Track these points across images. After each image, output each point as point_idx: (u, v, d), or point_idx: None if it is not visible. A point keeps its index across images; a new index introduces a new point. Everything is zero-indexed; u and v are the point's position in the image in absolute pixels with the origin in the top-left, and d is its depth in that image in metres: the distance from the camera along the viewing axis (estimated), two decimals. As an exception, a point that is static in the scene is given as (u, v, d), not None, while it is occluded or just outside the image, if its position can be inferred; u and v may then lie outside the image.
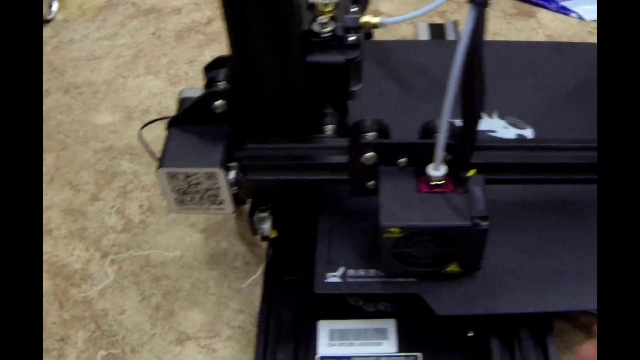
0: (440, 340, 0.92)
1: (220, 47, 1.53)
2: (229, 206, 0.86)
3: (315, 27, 0.82)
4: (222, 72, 0.86)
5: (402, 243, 0.81)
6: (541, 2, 1.56)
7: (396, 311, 0.92)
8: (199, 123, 0.86)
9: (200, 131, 0.86)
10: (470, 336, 0.92)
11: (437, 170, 0.80)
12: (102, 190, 1.26)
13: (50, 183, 1.28)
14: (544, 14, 1.57)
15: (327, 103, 0.88)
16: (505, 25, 1.53)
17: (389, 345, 0.91)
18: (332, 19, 0.83)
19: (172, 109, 1.28)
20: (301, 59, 0.80)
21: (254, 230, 0.95)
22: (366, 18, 0.87)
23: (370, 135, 0.83)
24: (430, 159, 0.80)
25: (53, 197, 1.26)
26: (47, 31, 1.64)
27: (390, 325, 0.93)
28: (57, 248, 1.18)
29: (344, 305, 0.93)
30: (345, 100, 0.88)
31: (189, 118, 0.86)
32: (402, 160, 0.83)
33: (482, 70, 0.71)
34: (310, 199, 0.92)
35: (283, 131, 0.85)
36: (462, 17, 1.52)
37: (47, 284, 1.13)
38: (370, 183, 0.85)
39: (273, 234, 0.96)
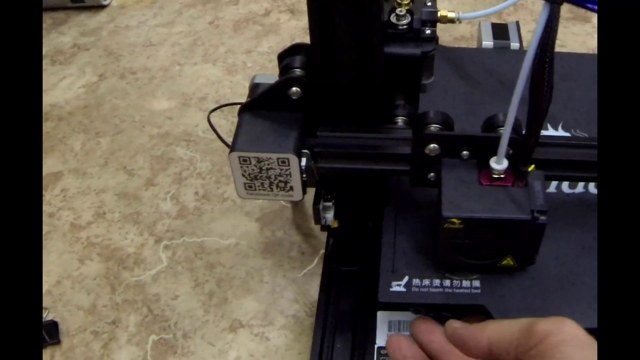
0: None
1: (278, 39, 1.53)
2: (298, 193, 0.86)
3: (393, 19, 0.82)
4: (298, 59, 0.86)
5: (462, 234, 0.80)
6: (596, 7, 1.55)
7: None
8: (272, 109, 0.86)
9: (273, 117, 0.86)
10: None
11: (499, 164, 0.80)
12: (157, 176, 1.26)
13: (104, 166, 1.28)
14: (599, 20, 1.56)
15: (400, 94, 0.88)
16: (561, 29, 1.50)
17: (446, 337, 0.91)
18: (409, 11, 0.83)
19: (229, 98, 1.31)
20: (381, 49, 0.80)
21: (317, 219, 0.94)
22: (443, 12, 0.87)
23: (434, 127, 0.83)
24: (492, 153, 0.80)
25: (107, 180, 1.26)
26: (102, 17, 1.65)
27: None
28: (110, 231, 1.18)
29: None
30: (417, 93, 0.88)
31: (263, 104, 0.86)
32: (465, 152, 0.82)
33: (552, 67, 0.71)
34: (375, 190, 0.92)
35: (355, 120, 0.85)
36: (521, 18, 1.51)
37: (98, 267, 1.14)
38: (431, 175, 0.84)
39: (335, 224, 0.96)
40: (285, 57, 0.87)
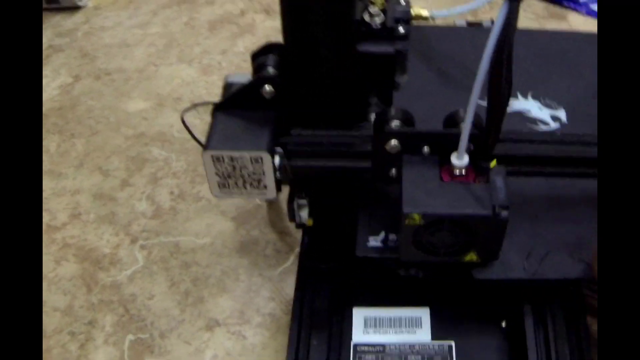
0: (473, 329, 0.92)
1: (254, 39, 1.53)
2: (272, 191, 0.86)
3: (366, 17, 0.82)
4: (271, 58, 0.86)
5: (423, 230, 0.81)
6: (572, 5, 1.56)
7: (427, 280, 0.92)
8: (246, 108, 0.86)
9: (247, 116, 0.86)
10: (504, 326, 0.92)
11: (460, 160, 0.80)
12: (133, 176, 1.26)
13: (79, 167, 1.28)
14: (574, 17, 1.57)
15: (373, 92, 0.88)
16: (536, 27, 1.53)
17: (423, 334, 0.92)
18: (383, 9, 0.83)
19: (204, 98, 1.31)
20: (354, 48, 0.80)
21: (292, 217, 0.95)
22: (417, 10, 0.87)
23: (395, 123, 0.83)
24: (453, 149, 0.80)
25: (83, 182, 1.26)
26: (78, 17, 1.64)
27: (424, 313, 0.93)
28: (85, 232, 1.18)
29: (378, 289, 0.94)
30: (391, 91, 0.88)
31: (236, 103, 0.86)
32: (426, 149, 0.83)
33: (510, 65, 0.71)
34: (350, 188, 0.92)
35: (329, 118, 0.85)
36: (496, 16, 1.51)
37: (75, 268, 1.13)
38: (393, 171, 0.85)
39: (310, 222, 0.96)
40: (259, 56, 0.88)
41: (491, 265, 0.87)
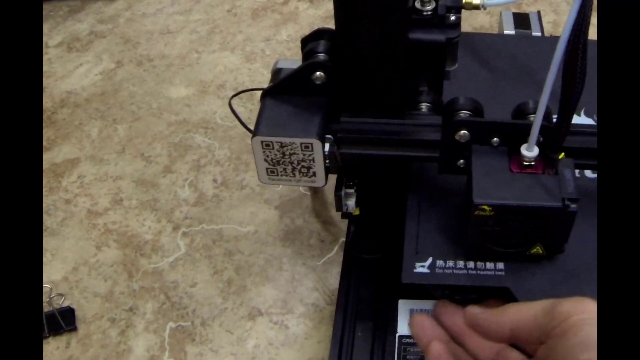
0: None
1: (297, 27, 1.52)
2: (320, 179, 0.85)
3: (418, 5, 0.81)
4: (322, 44, 0.85)
5: (492, 222, 0.79)
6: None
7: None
8: (295, 94, 0.85)
9: (296, 102, 0.85)
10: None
11: (530, 151, 0.79)
12: (175, 163, 1.25)
13: (121, 153, 1.28)
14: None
15: (423, 81, 0.87)
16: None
17: (469, 326, 0.90)
18: (434, -3, 0.82)
19: (247, 85, 1.30)
20: (406, 35, 0.79)
21: (339, 206, 0.94)
22: (468, -1, 0.86)
23: (465, 113, 0.82)
24: (522, 140, 0.79)
25: (125, 167, 1.26)
26: (119, 4, 1.64)
27: (472, 299, 0.91)
28: (127, 218, 1.18)
29: (427, 292, 0.92)
30: (441, 80, 0.87)
31: (286, 88, 0.85)
32: (495, 139, 0.82)
33: (586, 54, 0.70)
34: (398, 178, 0.91)
35: (379, 106, 0.84)
36: (541, 8, 1.50)
37: (116, 254, 1.13)
38: (461, 162, 0.84)
39: (356, 212, 0.95)
40: (309, 41, 0.86)
41: (539, 292, 0.85)
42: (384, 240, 0.96)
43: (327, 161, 0.84)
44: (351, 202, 0.93)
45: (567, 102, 0.74)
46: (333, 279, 1.05)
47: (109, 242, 1.14)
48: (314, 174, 0.85)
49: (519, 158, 0.80)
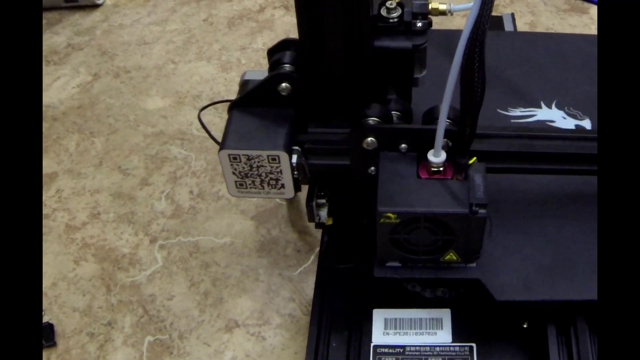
0: (495, 330, 0.90)
1: (272, 35, 1.52)
2: (289, 190, 0.85)
3: (383, 12, 0.81)
4: (287, 55, 0.85)
5: (400, 229, 0.79)
6: (594, -1, 1.54)
7: (452, 299, 0.90)
8: (262, 105, 0.85)
9: (263, 114, 0.85)
10: (525, 327, 0.90)
11: (437, 157, 0.79)
12: (152, 175, 1.25)
13: (99, 166, 1.27)
14: (596, 11, 1.55)
15: (392, 89, 0.87)
16: (558, 21, 1.51)
17: (444, 335, 0.90)
18: (399, 3, 0.82)
19: (223, 95, 1.30)
20: (370, 43, 0.79)
21: (311, 217, 0.93)
22: (434, 4, 0.85)
23: (373, 120, 0.82)
24: (431, 145, 0.79)
25: (102, 180, 1.25)
26: (96, 16, 1.63)
27: (445, 315, 0.91)
28: (105, 232, 1.17)
29: (400, 293, 0.92)
30: (410, 87, 0.86)
31: (252, 100, 0.85)
32: (403, 145, 0.82)
33: (483, 62, 0.70)
34: (369, 186, 0.90)
35: (347, 116, 0.84)
36: (517, 10, 1.50)
37: (94, 268, 1.13)
38: (372, 169, 0.84)
39: (329, 222, 0.94)
40: (275, 52, 0.87)
41: (512, 285, 0.85)
42: (357, 249, 0.96)
43: (295, 172, 0.83)
44: (323, 213, 0.93)
45: (468, 106, 0.74)
46: (310, 289, 1.05)
47: (87, 256, 1.14)
48: (283, 186, 0.85)
49: (427, 164, 0.80)
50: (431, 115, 0.82)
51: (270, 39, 1.50)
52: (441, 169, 0.79)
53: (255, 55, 1.47)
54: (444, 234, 0.79)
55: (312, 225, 1.08)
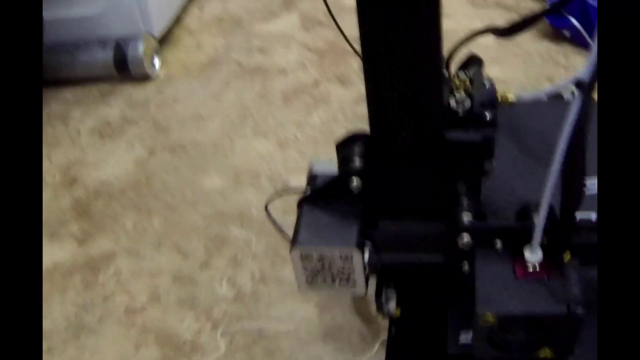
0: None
1: (328, 110, 1.51)
2: (361, 287, 0.83)
3: (452, 103, 0.79)
4: (356, 150, 0.83)
5: (497, 328, 0.78)
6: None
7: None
8: (332, 200, 0.83)
9: (333, 209, 0.83)
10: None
11: (534, 254, 0.78)
12: (212, 257, 1.24)
13: (158, 246, 1.27)
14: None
15: (462, 181, 0.85)
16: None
17: None
18: (468, 93, 0.80)
19: (282, 173, 1.29)
20: (442, 136, 0.78)
21: (380, 309, 0.92)
22: (502, 93, 0.84)
23: (467, 217, 0.80)
24: (526, 241, 0.78)
25: (161, 262, 1.24)
26: (150, 88, 1.64)
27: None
28: (166, 316, 1.16)
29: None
30: (479, 178, 0.85)
31: (322, 196, 0.83)
32: (499, 243, 0.80)
33: (584, 154, 0.68)
34: (440, 279, 0.89)
35: (418, 209, 0.82)
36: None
37: (155, 353, 1.11)
38: (466, 266, 0.82)
39: (397, 313, 0.93)
40: (344, 146, 0.85)
41: None
42: (427, 342, 0.94)
43: (366, 269, 0.82)
44: (392, 304, 0.91)
45: (570, 202, 0.72)
46: (376, 378, 1.03)
47: (148, 340, 1.12)
48: (354, 283, 0.83)
49: (523, 261, 0.79)
50: (525, 211, 0.80)
51: (327, 114, 1.49)
52: (537, 266, 0.78)
53: (313, 132, 1.46)
54: (541, 333, 0.78)
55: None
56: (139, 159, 1.44)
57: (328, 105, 1.53)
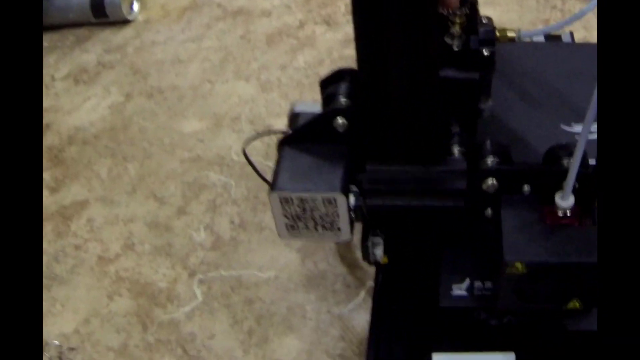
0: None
1: (314, 52, 1.46)
2: (346, 233, 0.79)
3: (448, 39, 0.74)
4: (342, 87, 0.78)
5: (525, 279, 0.73)
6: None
7: (520, 327, 0.85)
8: (315, 142, 0.78)
9: (317, 151, 0.79)
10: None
11: (565, 201, 0.73)
12: (190, 204, 1.19)
13: (132, 194, 1.22)
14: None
15: (455, 121, 0.80)
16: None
17: (507, 382, 0.84)
18: (464, 30, 0.75)
19: (264, 117, 1.24)
20: (435, 73, 0.73)
21: (366, 256, 0.87)
22: (502, 30, 0.79)
23: (492, 159, 0.75)
24: (556, 187, 0.73)
25: (136, 209, 1.20)
26: (128, 32, 1.58)
27: (509, 358, 0.85)
28: (140, 264, 1.12)
29: (461, 333, 0.86)
30: (475, 119, 0.80)
31: (304, 136, 0.78)
32: (526, 187, 0.76)
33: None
34: (431, 224, 0.84)
35: (408, 152, 0.77)
36: (573, 28, 1.44)
37: (129, 304, 1.07)
38: (489, 211, 0.77)
39: (385, 260, 0.88)
40: (329, 84, 0.80)
41: (587, 315, 0.79)
42: (416, 289, 0.90)
43: (352, 215, 0.77)
44: (379, 251, 0.87)
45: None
46: (361, 327, 0.99)
47: (122, 290, 1.08)
48: (339, 229, 0.79)
49: (552, 208, 0.74)
50: (555, 154, 0.76)
51: (312, 57, 1.44)
52: (568, 213, 0.74)
53: (297, 75, 1.41)
54: (572, 283, 0.74)
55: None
56: (116, 105, 1.39)
57: (314, 48, 1.47)
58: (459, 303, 0.81)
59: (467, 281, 0.82)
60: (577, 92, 0.94)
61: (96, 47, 1.55)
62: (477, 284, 0.81)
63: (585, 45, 1.19)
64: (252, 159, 0.86)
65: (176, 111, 1.36)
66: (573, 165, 0.69)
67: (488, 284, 0.81)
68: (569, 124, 0.92)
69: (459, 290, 0.82)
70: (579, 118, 0.90)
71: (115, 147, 1.30)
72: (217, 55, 1.48)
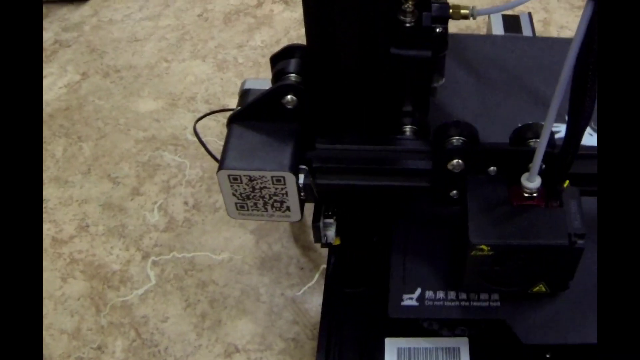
0: (516, 360, 0.84)
1: (271, 32, 1.44)
2: (295, 213, 0.78)
3: (400, 16, 0.73)
4: (292, 63, 0.77)
5: (490, 261, 0.72)
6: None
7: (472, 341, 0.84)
8: (265, 119, 0.77)
9: (266, 129, 0.77)
10: (548, 357, 0.82)
11: (532, 182, 0.72)
12: (144, 184, 1.17)
13: (87, 174, 1.20)
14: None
15: (407, 99, 0.79)
16: (572, 18, 1.44)
17: (462, 366, 0.83)
18: (417, 6, 0.73)
19: (219, 97, 1.21)
20: (386, 50, 0.71)
21: (318, 237, 0.86)
22: (455, 7, 0.78)
23: (458, 139, 0.74)
24: (523, 168, 0.72)
25: (90, 190, 1.18)
26: (85, 10, 1.55)
27: (463, 344, 0.84)
28: (94, 246, 1.10)
29: (414, 325, 0.84)
30: (427, 97, 0.79)
31: (254, 113, 0.77)
32: (492, 168, 0.75)
33: (595, 72, 0.62)
34: (381, 205, 0.83)
35: (359, 130, 0.76)
36: (531, 7, 1.43)
37: (82, 285, 1.05)
38: (454, 192, 0.76)
39: (337, 241, 0.87)
40: (279, 60, 0.78)
41: (538, 327, 0.78)
42: (368, 272, 0.88)
43: (302, 194, 0.76)
44: (330, 233, 0.86)
45: (576, 127, 0.66)
46: (314, 311, 0.98)
47: (75, 272, 1.06)
48: (288, 209, 0.78)
49: (519, 189, 0.73)
50: (522, 135, 0.75)
51: (270, 36, 1.42)
52: (535, 194, 0.72)
53: (254, 54, 1.39)
54: (539, 266, 0.73)
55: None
56: (71, 84, 1.37)
57: (271, 27, 1.45)
58: (408, 313, 0.81)
59: (418, 290, 0.81)
60: (540, 88, 0.93)
61: (53, 25, 1.52)
62: (429, 293, 0.81)
63: (547, 40, 1.19)
64: (207, 139, 0.85)
65: (132, 90, 1.34)
66: (540, 145, 0.68)
67: (440, 294, 0.81)
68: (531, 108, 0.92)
69: (410, 300, 0.81)
70: (541, 102, 0.89)
71: (70, 127, 1.28)
72: (174, 34, 1.46)
